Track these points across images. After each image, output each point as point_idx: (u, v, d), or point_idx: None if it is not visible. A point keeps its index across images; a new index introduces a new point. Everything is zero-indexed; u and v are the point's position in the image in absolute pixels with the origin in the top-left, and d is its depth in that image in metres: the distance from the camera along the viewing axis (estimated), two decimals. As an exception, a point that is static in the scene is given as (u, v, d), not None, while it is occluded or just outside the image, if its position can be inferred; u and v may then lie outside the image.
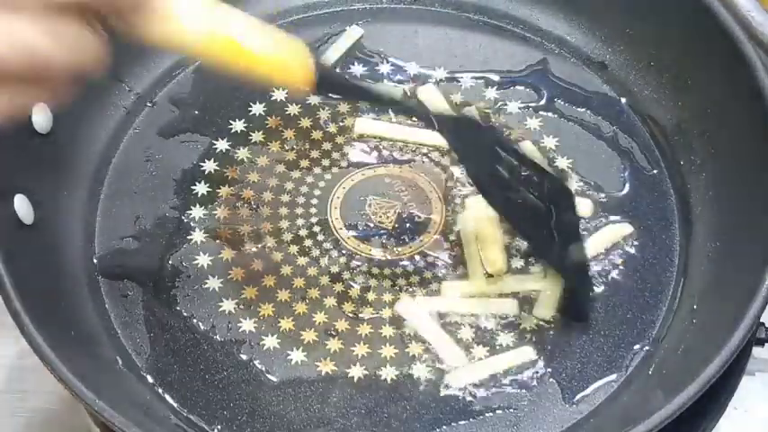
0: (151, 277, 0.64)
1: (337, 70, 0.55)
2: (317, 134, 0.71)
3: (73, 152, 0.68)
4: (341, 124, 0.71)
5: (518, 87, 0.73)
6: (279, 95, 0.72)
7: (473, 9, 0.77)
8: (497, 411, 0.59)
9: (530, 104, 0.72)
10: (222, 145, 0.70)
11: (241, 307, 0.63)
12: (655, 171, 0.69)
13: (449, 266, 0.64)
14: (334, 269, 0.64)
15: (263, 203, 0.67)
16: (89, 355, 0.59)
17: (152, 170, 0.69)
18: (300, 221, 0.66)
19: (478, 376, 0.60)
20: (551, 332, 0.62)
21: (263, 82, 0.53)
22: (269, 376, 0.60)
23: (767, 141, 0.62)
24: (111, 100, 0.71)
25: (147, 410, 0.58)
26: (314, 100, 0.72)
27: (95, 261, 0.65)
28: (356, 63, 0.74)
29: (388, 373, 0.60)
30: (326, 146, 0.70)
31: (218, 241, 0.66)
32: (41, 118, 0.64)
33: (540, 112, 0.72)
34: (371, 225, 0.66)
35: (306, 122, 0.71)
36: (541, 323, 0.62)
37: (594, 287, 0.63)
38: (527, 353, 0.61)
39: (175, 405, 0.59)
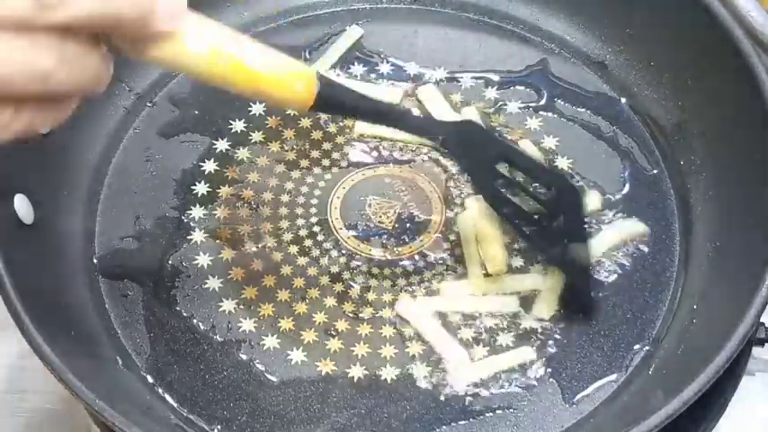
0: (151, 277, 0.64)
1: (341, 87, 0.55)
2: (316, 134, 0.71)
3: (73, 152, 0.68)
4: (341, 124, 0.71)
5: (518, 87, 0.73)
6: (279, 95, 0.72)
7: (473, 9, 0.77)
8: (497, 411, 0.59)
9: (530, 104, 0.72)
10: (222, 145, 0.70)
11: (241, 307, 0.63)
12: (655, 171, 0.69)
13: (449, 266, 0.64)
14: (334, 269, 0.64)
15: (263, 203, 0.67)
16: (89, 355, 0.59)
17: (152, 170, 0.69)
18: (300, 221, 0.66)
19: (478, 376, 0.60)
20: (551, 332, 0.62)
21: (267, 101, 0.52)
22: (269, 376, 0.60)
23: (767, 141, 0.62)
24: (111, 100, 0.71)
25: (147, 410, 0.58)
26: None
27: (95, 261, 0.65)
28: (356, 63, 0.74)
29: (388, 373, 0.60)
30: (326, 146, 0.70)
31: (218, 241, 0.66)
32: (41, 118, 0.64)
33: (540, 112, 0.72)
34: (371, 225, 0.66)
35: (306, 122, 0.71)
36: (541, 323, 0.62)
37: (598, 280, 0.63)
38: (527, 353, 0.61)
39: (175, 405, 0.59)
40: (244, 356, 0.61)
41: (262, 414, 0.59)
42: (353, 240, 0.65)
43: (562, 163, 0.69)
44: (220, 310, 0.63)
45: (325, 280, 0.64)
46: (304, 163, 0.69)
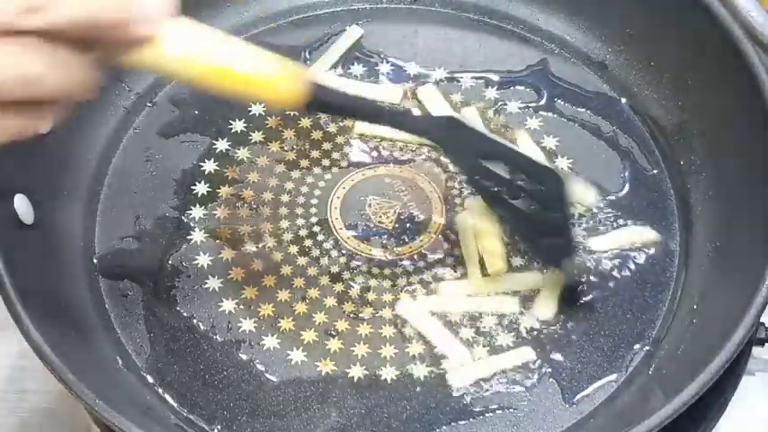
0: (151, 277, 0.64)
1: (334, 88, 0.55)
2: (316, 134, 0.71)
3: (73, 152, 0.68)
4: (341, 124, 0.71)
5: (518, 87, 0.73)
6: (279, 95, 0.72)
7: (473, 9, 0.77)
8: (497, 411, 0.59)
9: (530, 104, 0.72)
10: (222, 145, 0.70)
11: (241, 307, 0.63)
12: (655, 171, 0.69)
13: (449, 266, 0.64)
14: (334, 269, 0.64)
15: (263, 203, 0.67)
16: (89, 355, 0.59)
17: (152, 170, 0.69)
18: (300, 221, 0.66)
19: (478, 376, 0.60)
20: (551, 332, 0.62)
21: (255, 101, 0.53)
22: (269, 376, 0.60)
23: (767, 141, 0.62)
24: (111, 100, 0.71)
25: (147, 410, 0.58)
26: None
27: (95, 261, 0.65)
28: (356, 63, 0.74)
29: (388, 373, 0.60)
30: (326, 146, 0.70)
31: (218, 241, 0.66)
32: (41, 118, 0.64)
33: (540, 112, 0.72)
34: (371, 225, 0.66)
35: (306, 122, 0.71)
36: (541, 323, 0.62)
37: (597, 280, 0.63)
38: (527, 353, 0.61)
39: (175, 405, 0.59)
40: (244, 356, 0.61)
41: (262, 414, 0.59)
42: (353, 240, 0.65)
43: (562, 163, 0.69)
44: (220, 310, 0.63)
45: (325, 280, 0.64)
46: (304, 163, 0.69)
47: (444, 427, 0.58)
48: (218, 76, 0.49)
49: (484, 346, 0.61)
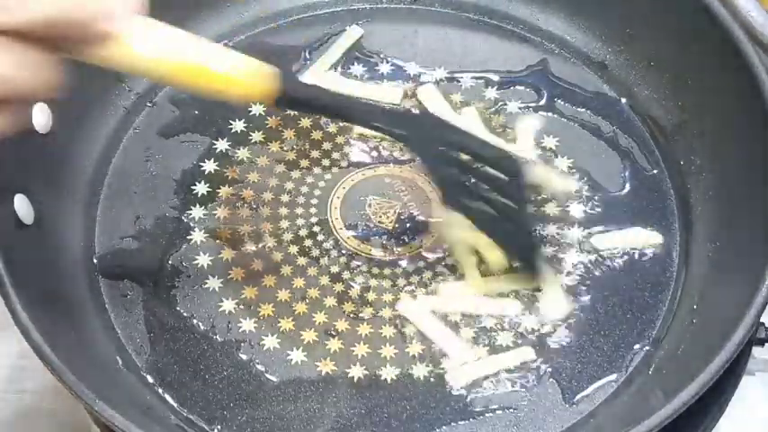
0: (151, 277, 0.64)
1: (305, 84, 0.55)
2: (316, 134, 0.71)
3: (73, 152, 0.68)
4: (341, 124, 0.71)
5: (518, 87, 0.73)
6: (279, 95, 0.72)
7: (473, 9, 0.77)
8: (497, 411, 0.59)
9: (530, 104, 0.72)
10: (222, 145, 0.70)
11: (241, 307, 0.63)
12: (655, 171, 0.69)
13: (449, 266, 0.64)
14: (335, 269, 0.64)
15: (263, 203, 0.67)
16: (89, 355, 0.59)
17: (152, 170, 0.69)
18: (300, 221, 0.66)
19: (478, 376, 0.60)
20: (551, 332, 0.62)
21: (225, 99, 0.53)
22: (269, 376, 0.60)
23: (767, 141, 0.62)
24: (111, 100, 0.71)
25: (147, 410, 0.58)
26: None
27: (95, 261, 0.65)
28: (356, 63, 0.74)
29: (388, 373, 0.60)
30: (326, 146, 0.70)
31: (218, 241, 0.66)
32: (41, 118, 0.64)
33: (540, 112, 0.72)
34: (371, 225, 0.66)
35: (306, 122, 0.71)
36: (541, 323, 0.62)
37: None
38: (527, 353, 0.61)
39: (175, 405, 0.59)
40: (244, 356, 0.61)
41: (262, 414, 0.59)
42: (353, 240, 0.65)
43: (562, 163, 0.69)
44: (220, 310, 0.63)
45: (325, 280, 0.64)
46: (304, 163, 0.69)
47: (444, 427, 0.58)
48: (188, 74, 0.50)
49: (484, 345, 0.61)
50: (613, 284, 0.64)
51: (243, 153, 0.70)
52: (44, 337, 0.53)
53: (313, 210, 0.67)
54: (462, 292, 0.63)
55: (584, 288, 0.63)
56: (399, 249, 0.65)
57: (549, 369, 0.60)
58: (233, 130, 0.71)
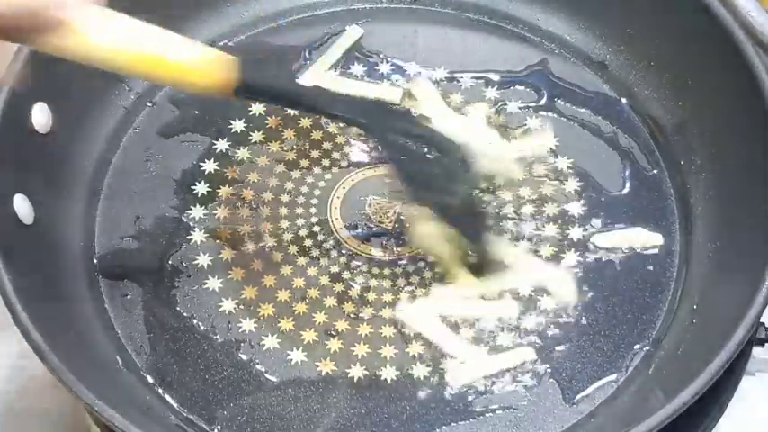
0: (151, 277, 0.64)
1: (266, 74, 0.56)
2: (316, 134, 0.71)
3: (73, 152, 0.68)
4: (341, 124, 0.71)
5: (518, 87, 0.73)
6: (279, 95, 0.72)
7: (473, 9, 0.77)
8: (497, 411, 0.59)
9: (530, 104, 0.72)
10: (222, 145, 0.70)
11: (241, 307, 0.63)
12: (655, 171, 0.69)
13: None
14: (335, 269, 0.64)
15: (263, 203, 0.67)
16: (89, 355, 0.59)
17: (152, 170, 0.69)
18: (300, 221, 0.66)
19: (478, 376, 0.60)
20: (551, 332, 0.62)
21: (184, 89, 0.54)
22: (269, 376, 0.60)
23: (767, 141, 0.62)
24: (111, 100, 0.71)
25: (147, 410, 0.58)
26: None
27: (95, 261, 0.65)
28: (356, 63, 0.74)
29: (388, 373, 0.60)
30: (326, 146, 0.70)
31: (218, 241, 0.66)
32: (41, 118, 0.64)
33: (540, 112, 0.72)
34: (371, 225, 0.66)
35: (306, 122, 0.71)
36: (541, 323, 0.62)
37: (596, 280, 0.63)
38: (527, 353, 0.61)
39: (175, 405, 0.59)
40: (244, 356, 0.61)
41: (262, 414, 0.59)
42: (353, 240, 0.65)
43: (562, 163, 0.69)
44: (220, 310, 0.63)
45: (325, 280, 0.64)
46: (304, 163, 0.69)
47: (444, 427, 0.58)
48: (146, 64, 0.50)
49: (484, 345, 0.61)
50: (613, 284, 0.64)
51: (243, 153, 0.70)
52: (44, 337, 0.53)
53: (313, 210, 0.67)
54: (462, 293, 0.63)
55: (584, 288, 0.63)
56: (399, 249, 0.65)
57: (549, 369, 0.60)
58: (233, 130, 0.71)
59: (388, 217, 0.66)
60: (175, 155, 0.70)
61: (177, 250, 0.65)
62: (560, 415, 0.59)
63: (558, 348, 0.61)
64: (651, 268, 0.64)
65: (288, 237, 0.66)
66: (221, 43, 0.74)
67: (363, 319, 0.62)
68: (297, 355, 0.61)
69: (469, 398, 0.59)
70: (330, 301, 0.63)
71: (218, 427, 0.58)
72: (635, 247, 0.65)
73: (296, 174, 0.69)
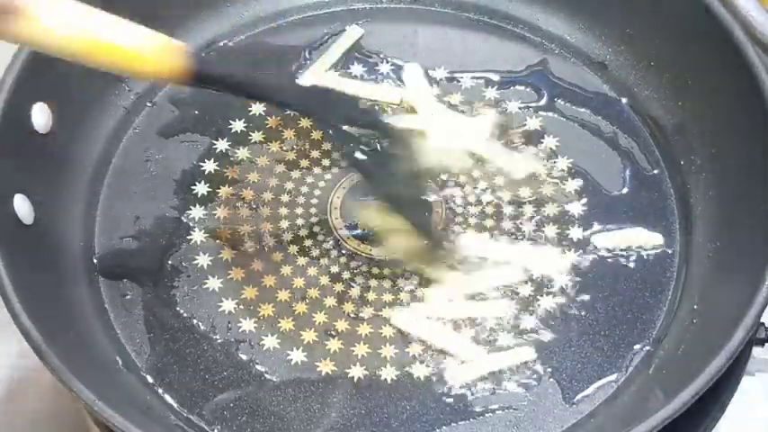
0: (151, 277, 0.64)
1: (218, 60, 0.56)
2: (316, 134, 0.71)
3: (73, 152, 0.68)
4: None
5: (518, 87, 0.73)
6: (279, 95, 0.72)
7: (473, 9, 0.77)
8: (497, 411, 0.59)
9: (530, 104, 0.72)
10: (222, 145, 0.70)
11: (241, 307, 0.63)
12: (655, 171, 0.69)
13: (448, 267, 0.64)
14: (334, 269, 0.64)
15: (263, 203, 0.67)
16: (89, 355, 0.59)
17: (152, 170, 0.69)
18: (300, 221, 0.66)
19: (478, 376, 0.60)
20: (551, 332, 0.61)
21: (135, 76, 0.54)
22: (269, 376, 0.60)
23: (767, 141, 0.62)
24: (111, 100, 0.71)
25: (147, 410, 0.58)
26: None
27: (95, 261, 0.65)
28: (356, 63, 0.74)
29: (388, 373, 0.60)
30: (326, 146, 0.70)
31: (218, 241, 0.66)
32: (41, 118, 0.64)
33: (540, 112, 0.72)
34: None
35: (306, 122, 0.71)
36: (541, 323, 0.62)
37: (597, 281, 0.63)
38: (527, 353, 0.61)
39: (175, 405, 0.59)
40: (244, 356, 0.61)
41: (262, 414, 0.59)
42: (353, 240, 0.65)
43: (562, 163, 0.69)
44: (220, 310, 0.63)
45: (325, 280, 0.64)
46: (304, 163, 0.69)
47: (444, 428, 0.58)
48: (99, 51, 0.51)
49: (484, 345, 0.61)
50: (613, 284, 0.64)
51: (243, 153, 0.70)
52: (44, 337, 0.53)
53: (313, 210, 0.67)
54: (462, 292, 0.63)
55: (584, 288, 0.63)
56: (399, 249, 0.65)
57: (549, 369, 0.60)
58: (233, 130, 0.71)
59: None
60: (175, 155, 0.70)
61: (177, 250, 0.65)
62: (560, 415, 0.59)
63: (558, 348, 0.61)
64: (651, 268, 0.64)
65: (288, 237, 0.66)
66: (221, 43, 0.74)
67: (363, 319, 0.62)
68: (297, 356, 0.61)
69: (469, 398, 0.59)
70: (330, 301, 0.63)
71: (218, 427, 0.58)
72: (635, 247, 0.65)
73: (296, 174, 0.69)
